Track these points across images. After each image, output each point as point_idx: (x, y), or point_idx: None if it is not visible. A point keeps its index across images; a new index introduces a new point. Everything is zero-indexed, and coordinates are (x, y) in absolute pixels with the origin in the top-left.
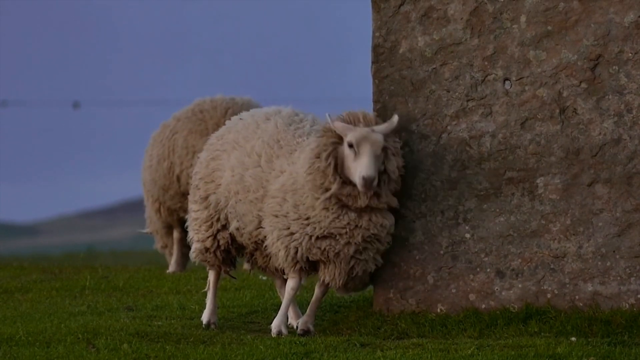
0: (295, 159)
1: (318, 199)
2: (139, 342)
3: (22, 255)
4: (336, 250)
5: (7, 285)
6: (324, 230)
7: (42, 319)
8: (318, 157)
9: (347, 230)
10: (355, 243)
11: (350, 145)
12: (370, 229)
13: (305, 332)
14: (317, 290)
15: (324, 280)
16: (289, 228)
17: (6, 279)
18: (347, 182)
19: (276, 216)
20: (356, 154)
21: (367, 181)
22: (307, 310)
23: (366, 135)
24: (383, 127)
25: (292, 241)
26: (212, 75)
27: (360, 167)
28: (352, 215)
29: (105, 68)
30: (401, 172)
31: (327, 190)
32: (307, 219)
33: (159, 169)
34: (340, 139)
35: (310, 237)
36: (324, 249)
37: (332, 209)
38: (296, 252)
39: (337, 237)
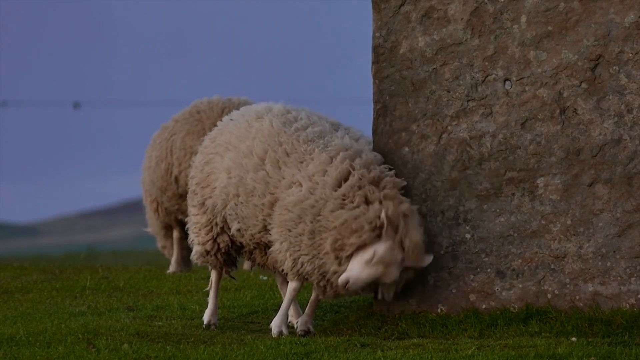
0: (311, 175)
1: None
2: (139, 343)
3: (22, 256)
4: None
5: (8, 285)
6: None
7: (43, 319)
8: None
9: None
10: None
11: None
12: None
13: (306, 332)
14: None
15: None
16: (300, 247)
17: (6, 279)
18: None
19: (289, 230)
20: (368, 262)
21: (342, 285)
22: (306, 310)
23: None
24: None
25: (300, 257)
26: (212, 75)
27: (353, 272)
28: None
29: (105, 68)
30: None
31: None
32: (319, 253)
33: (157, 170)
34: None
35: (317, 267)
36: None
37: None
38: (302, 266)
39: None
